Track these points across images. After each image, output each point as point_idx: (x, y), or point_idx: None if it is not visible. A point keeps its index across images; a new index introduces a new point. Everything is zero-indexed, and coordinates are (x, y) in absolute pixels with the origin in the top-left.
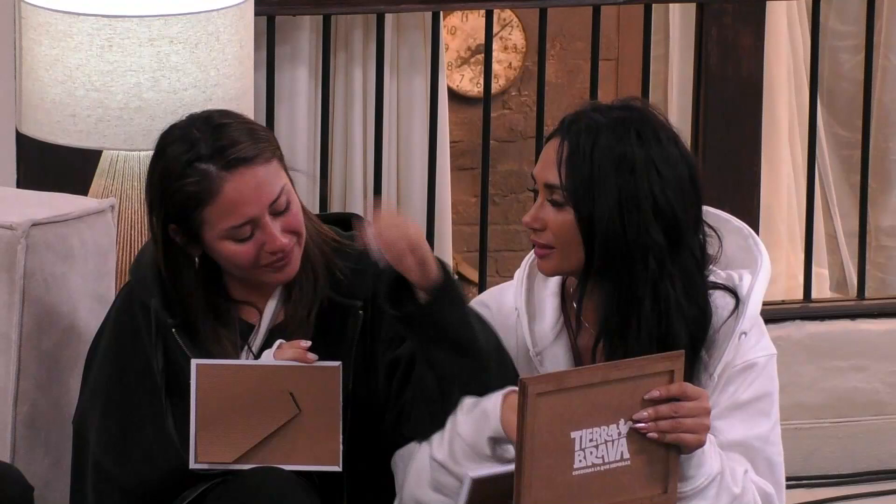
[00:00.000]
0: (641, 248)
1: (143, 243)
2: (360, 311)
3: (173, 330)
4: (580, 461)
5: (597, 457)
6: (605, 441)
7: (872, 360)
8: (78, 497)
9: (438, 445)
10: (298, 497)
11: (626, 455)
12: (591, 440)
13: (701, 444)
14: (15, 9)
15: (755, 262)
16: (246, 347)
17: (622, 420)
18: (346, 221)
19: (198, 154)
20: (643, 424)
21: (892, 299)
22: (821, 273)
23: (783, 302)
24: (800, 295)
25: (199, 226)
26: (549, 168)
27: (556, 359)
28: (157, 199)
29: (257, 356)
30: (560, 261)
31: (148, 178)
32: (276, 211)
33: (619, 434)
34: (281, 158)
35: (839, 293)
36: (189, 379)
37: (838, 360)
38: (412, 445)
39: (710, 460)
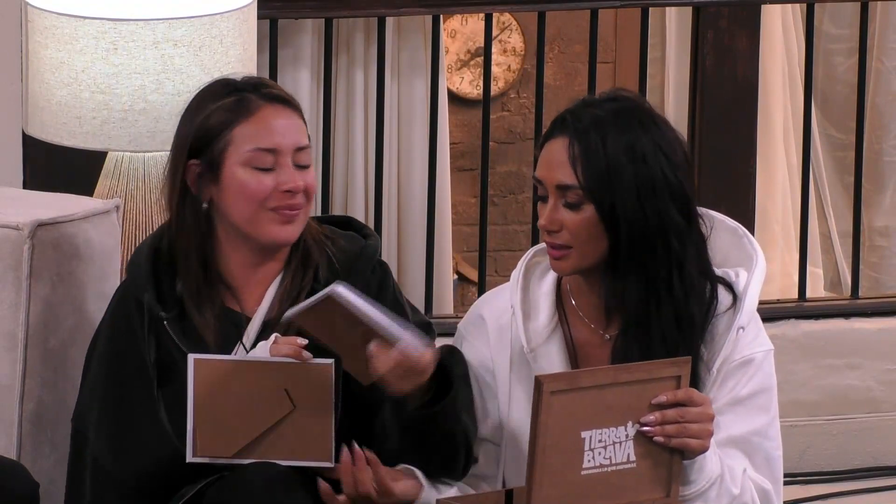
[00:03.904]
0: (663, 230)
1: (140, 242)
2: None
3: (165, 323)
4: (589, 461)
5: (605, 457)
6: (614, 442)
7: (866, 358)
8: (75, 496)
9: None
10: (295, 493)
11: (633, 457)
12: (600, 441)
13: (704, 450)
14: (21, 12)
15: (750, 260)
16: (239, 342)
17: (630, 422)
18: (342, 223)
19: (237, 86)
20: (650, 428)
21: (885, 298)
22: (815, 272)
23: (778, 301)
24: (795, 294)
25: (223, 149)
26: (559, 169)
27: (550, 356)
28: (188, 124)
29: (251, 348)
30: (579, 259)
31: (181, 118)
32: (299, 163)
33: (627, 436)
34: (308, 135)
35: (833, 292)
36: (183, 372)
37: (833, 359)
38: None
39: (710, 464)
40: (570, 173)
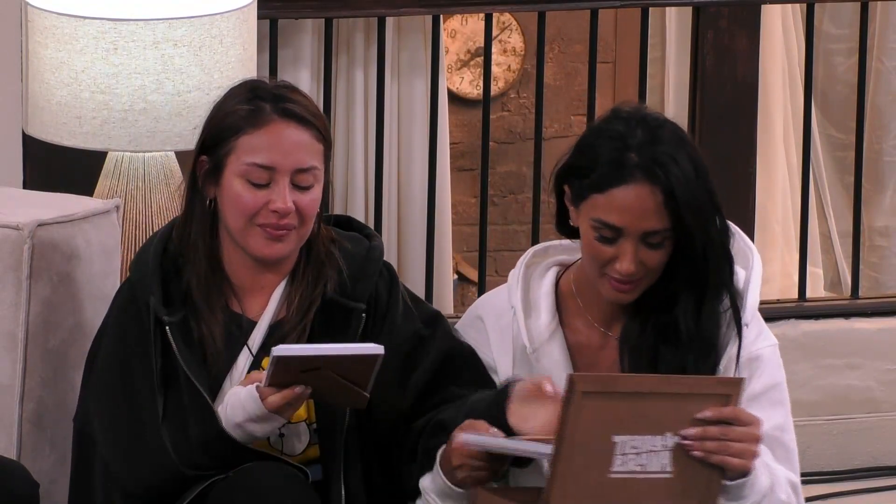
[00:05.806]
0: (720, 236)
1: (148, 238)
2: (363, 315)
3: (167, 328)
4: (619, 465)
5: (637, 464)
6: (649, 451)
7: (866, 358)
8: (81, 495)
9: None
10: (298, 494)
11: (669, 468)
12: (633, 447)
13: (746, 470)
14: (21, 12)
15: (747, 259)
16: (245, 346)
17: (668, 433)
18: (341, 223)
19: (260, 93)
20: (689, 442)
21: (885, 298)
22: (815, 272)
23: (778, 301)
24: (795, 294)
25: (227, 155)
26: (648, 217)
27: (552, 356)
28: (208, 120)
29: (256, 353)
30: (646, 285)
31: (210, 110)
32: (299, 184)
33: (665, 446)
34: (327, 153)
35: (833, 292)
36: (180, 383)
37: (833, 359)
38: None
39: (761, 477)
40: (659, 219)
